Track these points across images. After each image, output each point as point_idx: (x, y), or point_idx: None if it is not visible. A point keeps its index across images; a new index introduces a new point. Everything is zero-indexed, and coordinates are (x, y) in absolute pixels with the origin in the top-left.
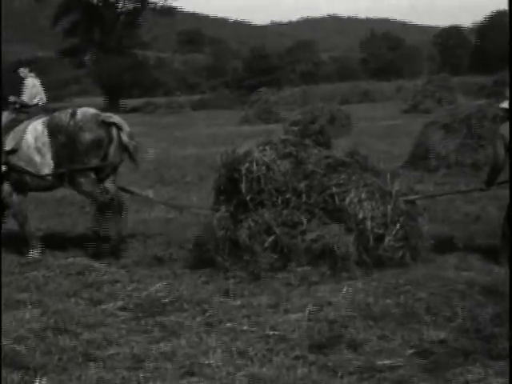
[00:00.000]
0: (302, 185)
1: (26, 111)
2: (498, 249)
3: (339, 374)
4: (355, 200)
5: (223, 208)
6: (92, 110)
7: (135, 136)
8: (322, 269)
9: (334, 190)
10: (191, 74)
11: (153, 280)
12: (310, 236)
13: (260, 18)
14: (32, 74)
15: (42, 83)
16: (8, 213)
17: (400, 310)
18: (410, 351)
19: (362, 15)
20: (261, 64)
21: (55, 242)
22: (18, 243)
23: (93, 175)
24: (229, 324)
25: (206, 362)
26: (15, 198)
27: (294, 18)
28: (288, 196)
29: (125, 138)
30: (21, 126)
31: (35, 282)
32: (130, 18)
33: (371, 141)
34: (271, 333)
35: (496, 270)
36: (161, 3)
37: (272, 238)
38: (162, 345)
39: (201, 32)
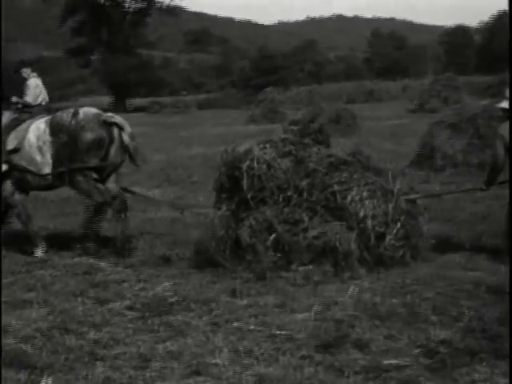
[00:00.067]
0: (303, 183)
1: (29, 111)
2: (502, 248)
3: (346, 374)
4: (357, 198)
5: (224, 207)
6: (94, 110)
7: (136, 136)
8: (325, 267)
9: (336, 188)
10: (197, 74)
11: (159, 279)
12: (311, 233)
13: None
14: (34, 74)
15: (49, 83)
16: (12, 212)
17: (406, 310)
18: (417, 351)
19: (368, 14)
20: (268, 63)
21: (62, 242)
22: (25, 242)
23: (94, 175)
24: (235, 323)
25: (213, 362)
26: (17, 197)
27: (301, 17)
28: (289, 194)
29: (126, 138)
30: (23, 126)
31: (42, 282)
32: (137, 18)
33: (377, 140)
34: (278, 332)
35: (503, 270)
36: (167, 2)
37: (274, 235)
38: (168, 344)
39: (208, 31)
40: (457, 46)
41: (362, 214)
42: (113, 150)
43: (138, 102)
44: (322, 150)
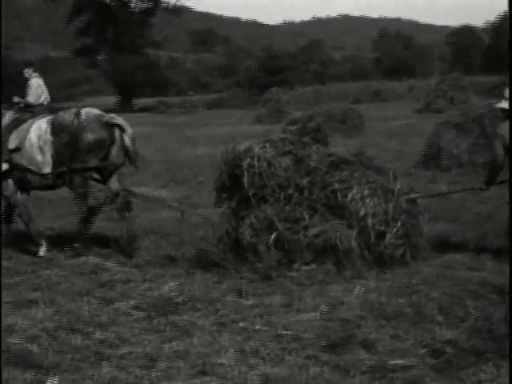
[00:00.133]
0: (304, 181)
1: (31, 110)
2: (507, 248)
3: (351, 374)
4: (357, 197)
5: (225, 205)
6: (96, 111)
7: (139, 137)
8: (327, 266)
9: (337, 186)
10: (203, 74)
11: (165, 279)
12: (312, 231)
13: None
14: (36, 74)
15: (55, 83)
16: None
17: (412, 310)
18: (423, 351)
19: (375, 14)
20: (274, 63)
21: (68, 242)
22: (30, 242)
23: (94, 175)
24: (241, 323)
25: (219, 362)
26: (19, 196)
27: (307, 17)
28: (290, 192)
29: (127, 139)
30: (25, 125)
31: (48, 281)
32: (143, 18)
33: (383, 140)
34: (284, 332)
35: (508, 270)
36: (173, 2)
37: (274, 234)
38: (174, 344)
39: (214, 31)
40: (463, 46)
41: (362, 212)
42: (114, 151)
43: (144, 101)
44: (320, 148)
